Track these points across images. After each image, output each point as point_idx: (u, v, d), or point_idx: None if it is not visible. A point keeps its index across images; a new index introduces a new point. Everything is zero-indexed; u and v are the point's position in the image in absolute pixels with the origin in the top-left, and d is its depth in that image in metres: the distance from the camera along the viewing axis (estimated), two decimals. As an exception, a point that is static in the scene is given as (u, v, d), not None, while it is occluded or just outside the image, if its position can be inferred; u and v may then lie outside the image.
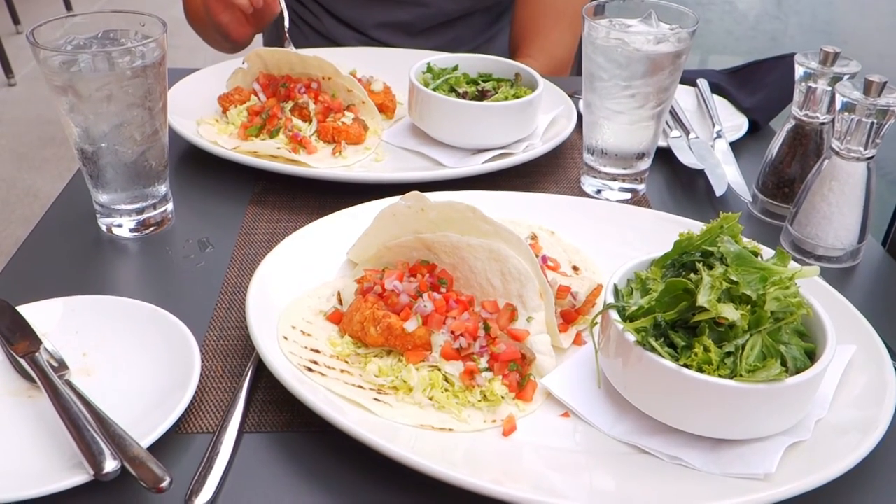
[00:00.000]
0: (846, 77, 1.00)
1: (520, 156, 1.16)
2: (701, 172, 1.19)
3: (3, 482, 0.65)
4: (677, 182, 1.20)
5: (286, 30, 1.46)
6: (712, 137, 1.27)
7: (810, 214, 1.01)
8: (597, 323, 0.77)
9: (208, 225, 1.05)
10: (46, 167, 3.47)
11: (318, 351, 0.80)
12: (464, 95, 1.20)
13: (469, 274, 0.84)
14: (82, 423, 0.68)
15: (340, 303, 0.86)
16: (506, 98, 1.19)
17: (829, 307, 0.77)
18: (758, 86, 1.40)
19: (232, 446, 0.71)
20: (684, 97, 1.39)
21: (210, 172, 1.15)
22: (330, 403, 0.72)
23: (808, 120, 1.07)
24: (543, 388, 0.78)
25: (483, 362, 0.77)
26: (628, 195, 1.14)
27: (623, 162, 1.12)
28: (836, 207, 0.99)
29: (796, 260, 1.01)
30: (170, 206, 1.04)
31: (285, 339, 0.79)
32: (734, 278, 0.69)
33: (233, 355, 0.83)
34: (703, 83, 1.41)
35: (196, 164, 1.17)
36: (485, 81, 1.26)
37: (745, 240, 0.75)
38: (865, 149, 0.96)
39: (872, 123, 0.93)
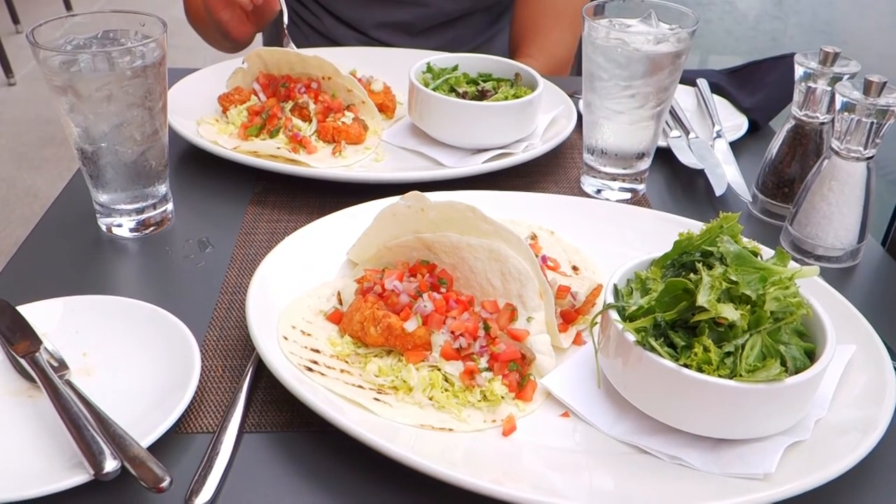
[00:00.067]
0: (846, 77, 1.00)
1: (520, 156, 1.16)
2: (701, 172, 1.19)
3: (4, 482, 0.65)
4: (677, 182, 1.20)
5: (285, 26, 1.46)
6: (712, 137, 1.27)
7: (810, 214, 1.01)
8: (596, 323, 0.77)
9: (208, 225, 1.05)
10: (46, 167, 3.47)
11: (318, 351, 0.80)
12: (464, 95, 1.20)
13: (469, 274, 0.84)
14: (82, 422, 0.68)
15: (340, 303, 0.86)
16: (506, 98, 1.19)
17: (829, 307, 0.77)
18: (758, 86, 1.40)
19: (232, 446, 0.71)
20: (684, 97, 1.39)
21: (210, 172, 1.15)
22: (330, 403, 0.72)
23: (808, 120, 1.07)
24: (543, 388, 0.78)
25: (483, 362, 0.77)
26: (628, 195, 1.14)
27: (623, 162, 1.12)
28: (836, 207, 0.99)
29: (796, 260, 1.01)
30: (170, 206, 1.05)
31: (285, 338, 0.79)
32: (734, 278, 0.69)
33: (233, 355, 0.83)
34: (702, 83, 1.41)
35: (196, 164, 1.17)
36: (485, 81, 1.26)
37: (744, 240, 0.75)
38: (865, 149, 0.96)
39: (872, 123, 0.93)
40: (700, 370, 0.68)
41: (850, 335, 0.81)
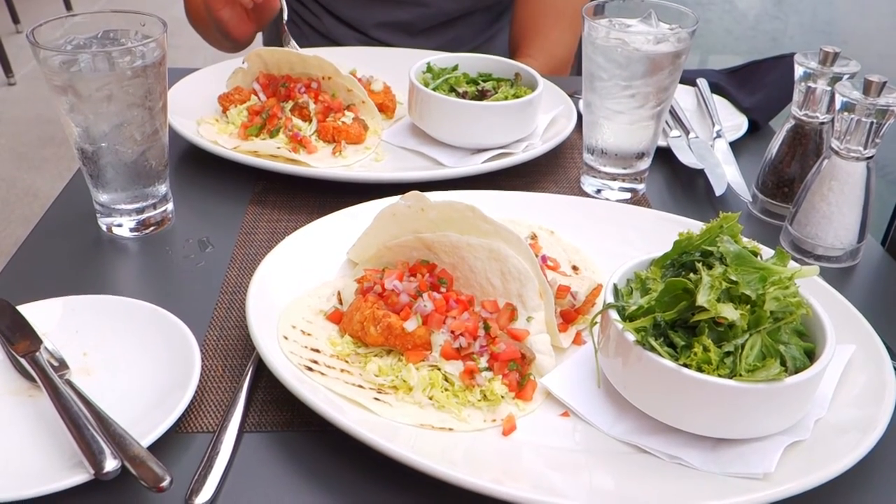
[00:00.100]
0: (846, 77, 1.00)
1: (520, 155, 1.16)
2: (701, 172, 1.19)
3: (4, 481, 0.65)
4: (677, 182, 1.20)
5: (284, 22, 1.45)
6: (712, 137, 1.27)
7: (810, 214, 1.01)
8: (596, 322, 0.77)
9: (208, 224, 1.05)
10: (46, 167, 3.47)
11: (318, 350, 0.80)
12: (464, 95, 1.20)
13: (469, 273, 0.84)
14: (82, 422, 0.68)
15: (340, 302, 0.86)
16: (505, 98, 1.19)
17: (829, 307, 0.77)
18: (757, 85, 1.40)
19: (232, 446, 0.71)
20: (684, 97, 1.39)
21: (210, 172, 1.15)
22: (330, 403, 0.72)
23: (808, 120, 1.07)
24: (543, 388, 0.78)
25: (483, 362, 0.77)
26: (628, 195, 1.14)
27: (623, 162, 1.12)
28: (836, 207, 0.99)
29: (796, 259, 1.01)
30: (170, 206, 1.05)
31: (285, 338, 0.79)
32: (734, 278, 0.69)
33: (233, 355, 0.83)
34: (702, 83, 1.41)
35: (196, 163, 1.17)
36: (485, 81, 1.26)
37: (744, 239, 0.75)
38: (865, 148, 0.96)
39: (872, 123, 0.93)
40: (700, 370, 0.68)
41: (849, 335, 0.81)
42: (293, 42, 1.45)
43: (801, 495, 0.65)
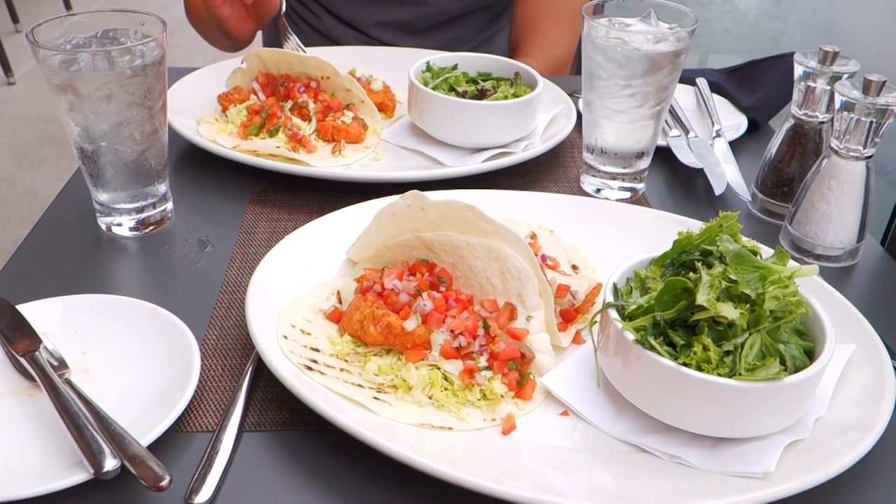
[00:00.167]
0: (845, 76, 1.00)
1: (519, 155, 1.16)
2: (700, 171, 1.19)
3: (4, 481, 0.65)
4: (677, 181, 1.21)
5: (282, 13, 1.45)
6: (711, 136, 1.27)
7: (809, 213, 1.01)
8: (596, 322, 0.77)
9: (208, 224, 1.05)
10: (46, 166, 3.47)
11: (317, 350, 0.80)
12: (463, 94, 1.20)
13: (468, 273, 0.84)
14: (82, 421, 0.68)
15: (340, 301, 0.86)
16: (505, 97, 1.19)
17: (829, 306, 0.77)
18: (757, 85, 1.40)
19: (232, 445, 0.71)
20: (684, 96, 1.39)
21: (210, 171, 1.15)
22: (329, 402, 0.72)
23: (808, 119, 1.07)
24: (543, 387, 0.78)
25: (482, 361, 0.77)
26: (628, 194, 1.14)
27: (622, 161, 1.12)
28: (836, 206, 0.99)
29: (795, 259, 1.01)
30: (169, 206, 1.05)
31: (285, 337, 0.79)
32: (733, 277, 0.69)
33: (232, 354, 0.83)
34: (702, 82, 1.41)
35: (196, 163, 1.17)
36: (484, 80, 1.26)
37: (744, 239, 0.75)
38: (864, 148, 0.96)
39: (871, 122, 0.93)
40: (699, 369, 0.68)
41: (849, 334, 0.81)
42: (294, 36, 1.45)
43: (801, 494, 0.65)
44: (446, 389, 0.76)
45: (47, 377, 0.73)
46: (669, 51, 1.02)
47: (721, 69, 1.50)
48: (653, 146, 1.12)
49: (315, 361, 0.78)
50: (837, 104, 0.94)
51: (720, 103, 1.37)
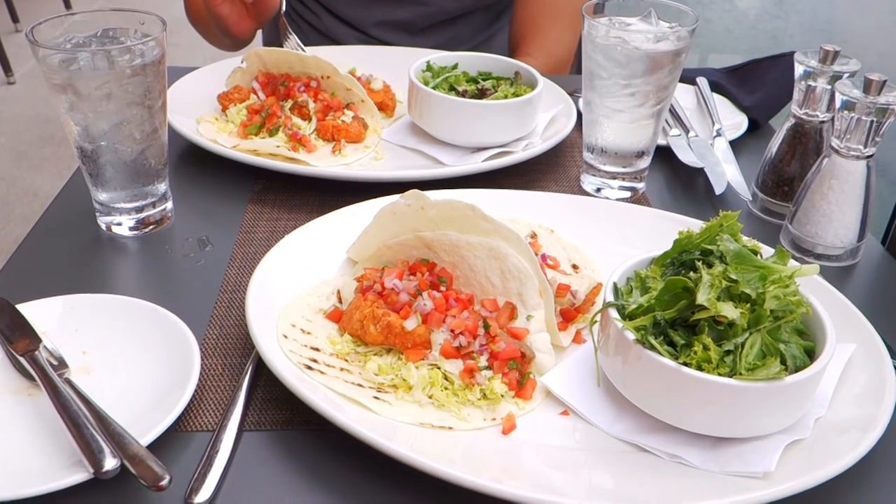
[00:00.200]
0: (846, 75, 1.00)
1: (519, 154, 1.16)
2: (700, 171, 1.19)
3: (4, 480, 0.65)
4: (677, 180, 1.20)
5: (282, 12, 1.45)
6: (712, 136, 1.27)
7: (810, 213, 1.01)
8: (596, 321, 0.77)
9: (208, 223, 1.05)
10: (46, 166, 3.47)
11: (317, 349, 0.80)
12: (463, 94, 1.20)
13: (469, 272, 0.84)
14: (82, 421, 0.68)
15: (340, 301, 0.86)
16: (505, 96, 1.19)
17: (829, 305, 0.77)
18: (757, 84, 1.40)
19: (231, 444, 0.71)
20: (684, 95, 1.39)
21: (210, 171, 1.15)
22: (329, 402, 0.72)
23: (808, 118, 1.07)
24: (543, 387, 0.78)
25: (483, 360, 0.77)
26: (628, 193, 1.14)
27: (623, 160, 1.12)
28: (836, 206, 0.99)
29: (796, 258, 1.01)
30: (169, 205, 1.04)
31: (285, 337, 0.79)
32: (734, 277, 0.69)
33: (232, 353, 0.83)
34: (702, 81, 1.41)
35: (195, 162, 1.17)
36: (484, 80, 1.26)
37: (744, 238, 0.75)
38: (865, 147, 0.96)
39: (872, 122, 0.93)
40: (700, 368, 0.68)
41: (849, 334, 0.81)
42: (294, 36, 1.45)
43: (801, 494, 0.65)
44: (446, 389, 0.76)
45: (47, 376, 0.73)
46: (670, 50, 1.02)
47: (721, 68, 1.50)
48: (653, 145, 1.12)
49: (315, 361, 0.78)
50: (838, 103, 0.94)
51: (720, 102, 1.37)
